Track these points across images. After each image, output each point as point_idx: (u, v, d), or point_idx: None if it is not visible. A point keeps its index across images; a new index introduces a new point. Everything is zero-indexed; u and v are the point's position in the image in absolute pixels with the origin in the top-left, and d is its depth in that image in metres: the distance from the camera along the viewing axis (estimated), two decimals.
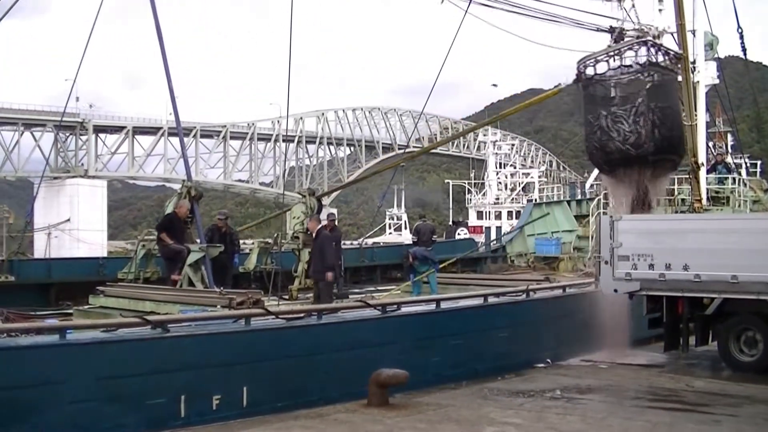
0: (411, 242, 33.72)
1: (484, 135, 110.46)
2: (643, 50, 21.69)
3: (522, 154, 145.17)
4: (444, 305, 18.52)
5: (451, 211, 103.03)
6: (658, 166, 22.07)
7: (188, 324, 14.20)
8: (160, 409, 12.74)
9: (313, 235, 21.37)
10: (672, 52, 22.56)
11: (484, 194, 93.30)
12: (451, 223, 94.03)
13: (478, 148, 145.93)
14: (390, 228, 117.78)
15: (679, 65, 22.81)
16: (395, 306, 17.38)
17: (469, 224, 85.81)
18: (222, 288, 18.19)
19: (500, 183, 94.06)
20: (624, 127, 21.30)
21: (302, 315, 15.65)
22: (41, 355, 12.08)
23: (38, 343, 12.33)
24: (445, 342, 17.55)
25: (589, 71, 22.15)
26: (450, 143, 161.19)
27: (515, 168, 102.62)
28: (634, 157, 21.46)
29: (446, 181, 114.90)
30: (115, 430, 12.09)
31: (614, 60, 21.81)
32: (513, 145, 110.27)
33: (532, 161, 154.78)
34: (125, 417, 12.32)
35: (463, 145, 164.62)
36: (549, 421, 13.38)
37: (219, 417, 13.26)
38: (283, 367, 14.59)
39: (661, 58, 22.14)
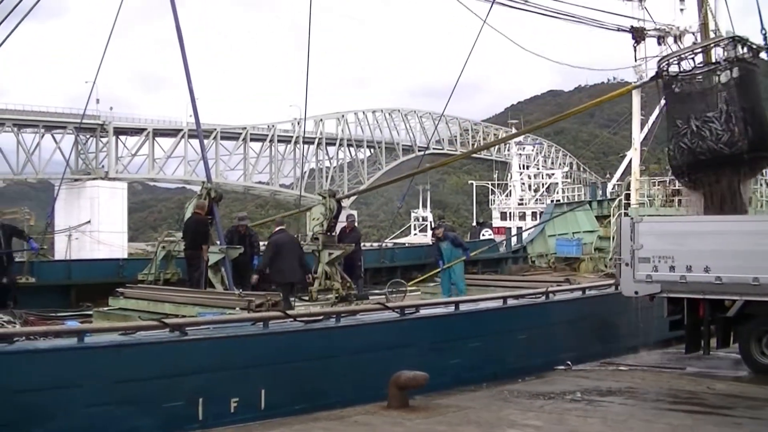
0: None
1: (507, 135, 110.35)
2: (728, 46, 21.28)
3: (544, 155, 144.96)
4: (463, 307, 18.51)
5: (474, 211, 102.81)
6: (752, 164, 21.81)
7: (206, 327, 14.22)
8: (178, 412, 12.77)
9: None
10: (755, 46, 22.08)
11: (507, 195, 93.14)
12: (475, 223, 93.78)
13: (499, 150, 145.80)
14: (415, 229, 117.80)
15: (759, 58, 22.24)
16: (413, 308, 17.40)
17: (494, 225, 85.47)
18: (241, 290, 18.19)
19: (524, 184, 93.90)
20: (715, 125, 20.98)
21: (320, 318, 15.65)
22: (59, 359, 12.12)
23: (56, 347, 12.36)
24: (464, 344, 17.54)
25: (673, 69, 21.78)
26: (470, 145, 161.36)
27: (538, 169, 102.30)
28: (727, 157, 21.15)
29: (470, 182, 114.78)
30: None
31: (697, 57, 21.42)
32: (535, 146, 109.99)
33: (552, 162, 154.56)
34: (143, 420, 12.35)
35: None
36: (569, 423, 13.33)
37: (237, 420, 13.27)
38: (301, 370, 14.59)
39: (745, 53, 21.62)
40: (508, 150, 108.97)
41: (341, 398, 14.80)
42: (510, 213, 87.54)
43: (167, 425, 12.56)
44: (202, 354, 13.51)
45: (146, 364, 12.77)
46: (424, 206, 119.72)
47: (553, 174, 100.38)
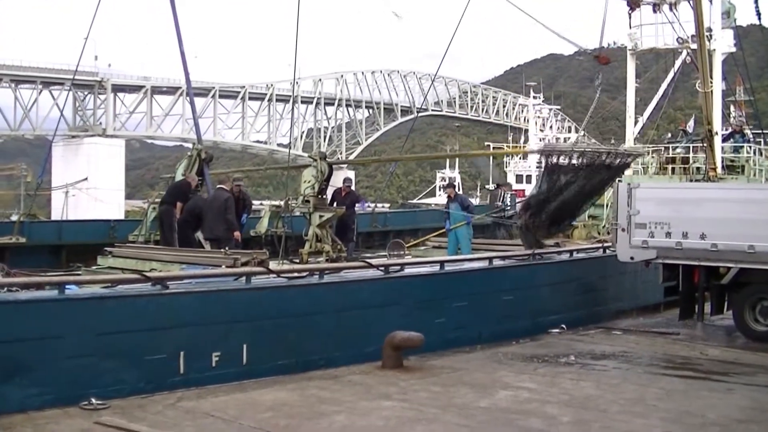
0: None
1: (525, 99, 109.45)
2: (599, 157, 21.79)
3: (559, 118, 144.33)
4: (448, 267, 18.58)
5: (491, 174, 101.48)
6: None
7: (189, 281, 14.27)
8: (160, 365, 12.82)
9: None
10: (632, 156, 23.36)
11: (522, 158, 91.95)
12: (494, 186, 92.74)
13: (497, 113, 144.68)
14: (440, 190, 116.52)
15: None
16: (398, 267, 17.46)
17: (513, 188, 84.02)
18: (227, 248, 18.21)
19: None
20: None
21: (304, 274, 15.68)
22: (40, 310, 12.13)
23: (37, 298, 12.37)
24: (449, 304, 17.59)
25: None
26: (469, 108, 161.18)
27: (552, 132, 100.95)
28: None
29: (486, 143, 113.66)
30: (115, 385, 12.14)
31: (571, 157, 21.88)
32: (551, 109, 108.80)
33: (550, 127, 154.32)
34: (124, 372, 12.40)
35: (482, 110, 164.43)
36: (563, 386, 13.41)
37: (218, 374, 13.31)
38: (284, 326, 14.62)
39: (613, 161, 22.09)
40: (528, 112, 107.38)
41: (324, 355, 14.94)
42: (527, 176, 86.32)
43: (149, 378, 12.61)
44: (183, 308, 13.55)
45: (128, 316, 12.80)
46: (452, 167, 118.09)
47: (569, 138, 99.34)
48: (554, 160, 21.33)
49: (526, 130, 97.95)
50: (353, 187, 28.10)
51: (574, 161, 21.27)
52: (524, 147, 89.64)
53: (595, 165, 21.35)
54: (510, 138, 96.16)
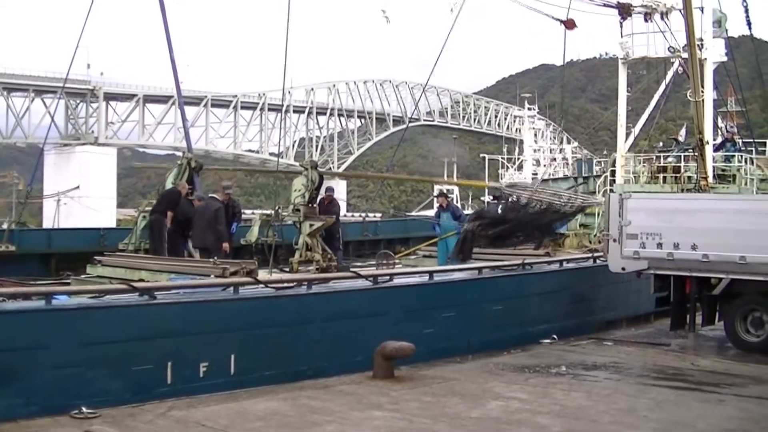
0: None
1: (519, 110, 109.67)
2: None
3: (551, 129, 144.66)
4: (437, 277, 18.56)
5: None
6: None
7: (176, 291, 14.24)
8: (147, 375, 12.79)
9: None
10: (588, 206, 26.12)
11: (517, 169, 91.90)
12: (491, 198, 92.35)
13: (490, 124, 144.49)
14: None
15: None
16: (387, 277, 17.43)
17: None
18: (216, 258, 18.20)
19: (535, 159, 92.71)
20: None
21: (292, 284, 15.66)
22: (27, 320, 12.15)
23: (24, 308, 12.39)
24: (438, 314, 17.53)
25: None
26: (461, 118, 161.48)
27: (546, 143, 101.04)
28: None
29: (482, 155, 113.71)
30: (102, 395, 12.10)
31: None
32: (545, 119, 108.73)
33: (542, 136, 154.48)
34: (111, 382, 12.37)
35: (474, 120, 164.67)
36: (554, 396, 13.41)
37: (206, 384, 13.27)
38: (272, 336, 14.59)
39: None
40: (520, 125, 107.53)
41: (313, 365, 14.88)
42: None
43: (136, 388, 12.58)
44: (171, 318, 13.54)
45: (115, 327, 12.78)
46: (450, 178, 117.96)
47: (563, 148, 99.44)
48: (513, 199, 22.61)
49: (521, 141, 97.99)
50: (344, 196, 28.16)
51: (532, 203, 22.32)
52: (520, 158, 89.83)
53: (551, 210, 22.95)
54: (505, 149, 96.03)
